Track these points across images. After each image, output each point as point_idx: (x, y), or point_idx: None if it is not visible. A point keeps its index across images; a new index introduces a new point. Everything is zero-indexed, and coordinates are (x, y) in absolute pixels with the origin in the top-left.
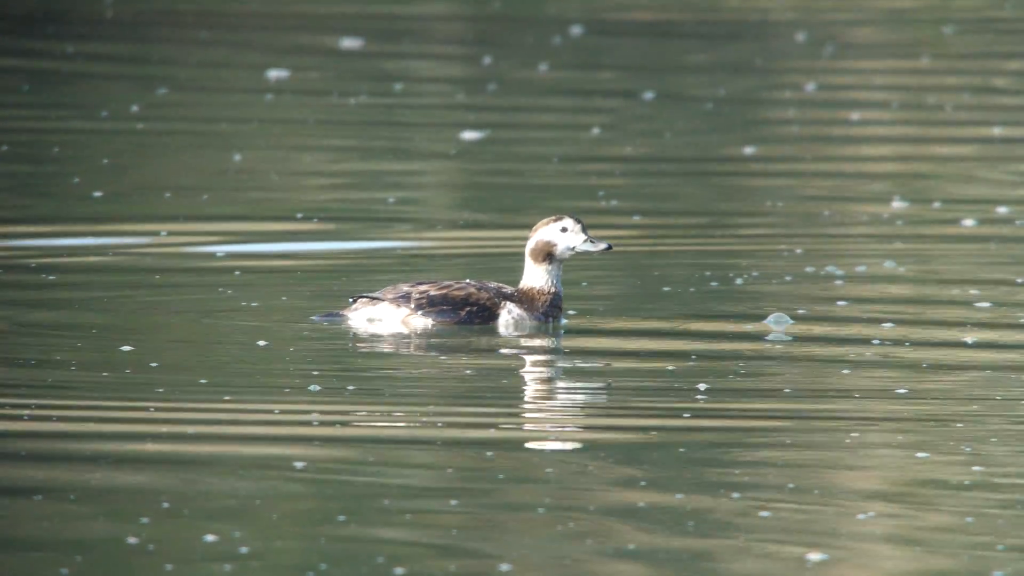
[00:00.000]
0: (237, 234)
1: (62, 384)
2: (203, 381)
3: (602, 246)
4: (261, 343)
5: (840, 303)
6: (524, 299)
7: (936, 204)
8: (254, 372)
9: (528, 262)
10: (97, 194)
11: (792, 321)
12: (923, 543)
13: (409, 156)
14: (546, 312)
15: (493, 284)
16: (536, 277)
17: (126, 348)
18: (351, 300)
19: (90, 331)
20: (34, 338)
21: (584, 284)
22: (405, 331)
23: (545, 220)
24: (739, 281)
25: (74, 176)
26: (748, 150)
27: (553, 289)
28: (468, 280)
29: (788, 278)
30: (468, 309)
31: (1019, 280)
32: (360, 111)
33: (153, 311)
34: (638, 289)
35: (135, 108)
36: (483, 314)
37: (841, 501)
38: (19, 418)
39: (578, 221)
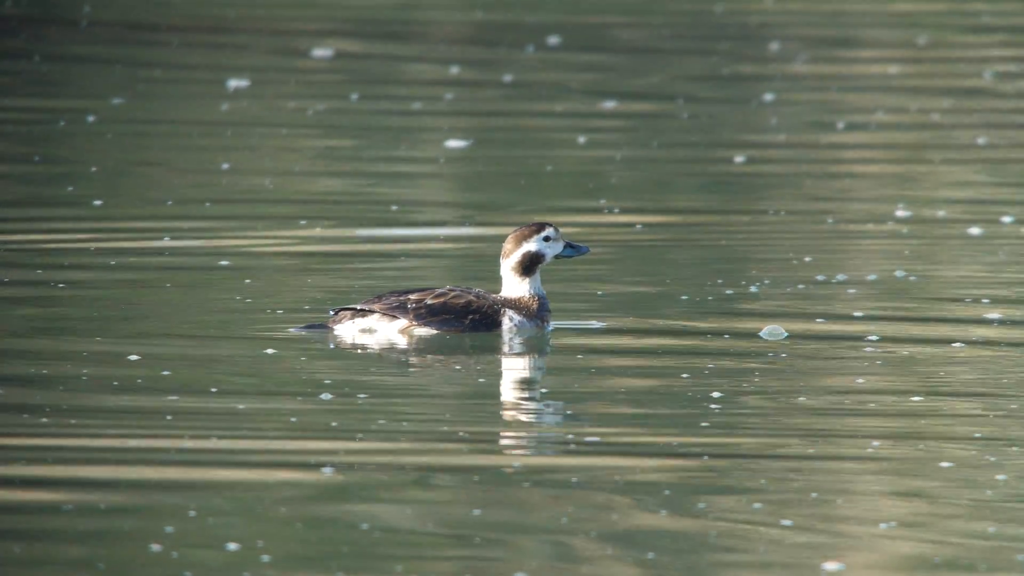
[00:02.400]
0: (241, 241)
1: (75, 393)
2: (214, 390)
3: (582, 250)
4: (269, 351)
5: (856, 314)
6: (518, 305)
7: (940, 213)
8: (264, 381)
9: (509, 275)
10: (97, 203)
11: (787, 334)
12: (943, 554)
13: (398, 165)
14: (540, 316)
15: (477, 289)
16: (518, 288)
17: (134, 358)
18: (331, 312)
19: (95, 340)
20: (43, 350)
21: (600, 294)
22: (406, 341)
23: (519, 232)
24: (753, 288)
25: (68, 185)
26: (739, 159)
27: (537, 295)
28: (449, 286)
29: (800, 286)
30: (471, 318)
31: None
32: (343, 121)
33: (160, 319)
34: (653, 299)
35: (95, 116)
36: (486, 322)
37: (860, 510)
38: (38, 434)
39: (556, 227)
